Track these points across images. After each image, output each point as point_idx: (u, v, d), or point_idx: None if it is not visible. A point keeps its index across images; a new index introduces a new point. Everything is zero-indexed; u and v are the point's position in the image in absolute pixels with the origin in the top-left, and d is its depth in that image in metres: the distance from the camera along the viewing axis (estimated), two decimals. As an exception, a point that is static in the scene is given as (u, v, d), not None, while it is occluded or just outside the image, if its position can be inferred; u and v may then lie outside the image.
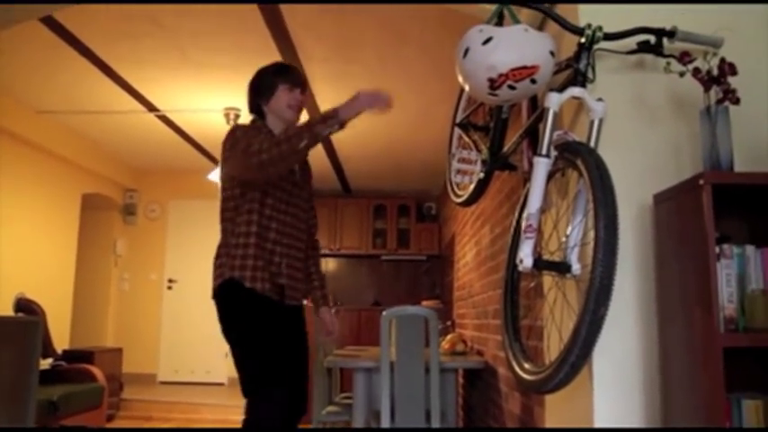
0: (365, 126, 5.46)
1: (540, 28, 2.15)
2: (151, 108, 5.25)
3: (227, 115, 5.17)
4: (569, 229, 1.65)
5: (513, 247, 1.96)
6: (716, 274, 1.38)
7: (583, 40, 1.67)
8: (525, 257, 1.61)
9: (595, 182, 1.46)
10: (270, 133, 2.25)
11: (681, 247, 1.54)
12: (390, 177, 7.52)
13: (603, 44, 1.69)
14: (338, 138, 5.96)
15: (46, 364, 4.71)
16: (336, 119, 2.05)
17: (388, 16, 3.58)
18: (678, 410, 1.54)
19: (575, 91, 1.66)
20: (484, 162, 2.29)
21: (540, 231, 1.72)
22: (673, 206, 1.59)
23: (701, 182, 1.41)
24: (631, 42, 1.74)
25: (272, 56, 3.84)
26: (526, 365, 1.73)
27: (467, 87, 1.77)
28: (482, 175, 2.30)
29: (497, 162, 2.25)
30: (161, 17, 3.65)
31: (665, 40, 1.72)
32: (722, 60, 1.59)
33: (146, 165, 7.36)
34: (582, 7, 1.87)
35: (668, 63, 1.68)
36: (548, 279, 1.94)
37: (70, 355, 5.21)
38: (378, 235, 8.21)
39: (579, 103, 1.81)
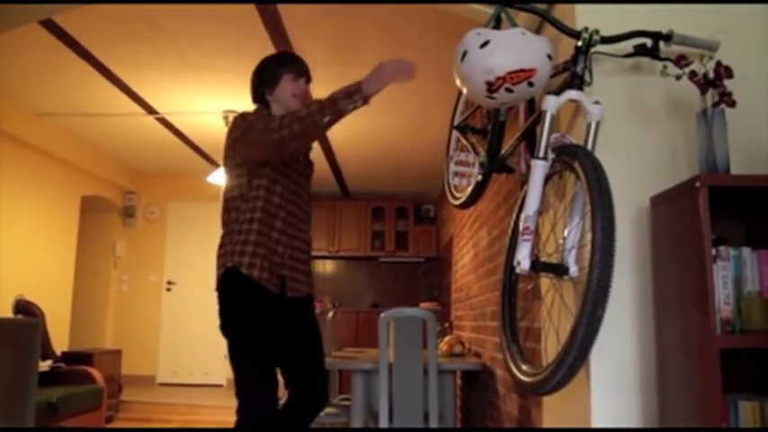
0: (363, 128, 5.48)
1: (538, 31, 2.17)
2: (150, 111, 5.25)
3: (225, 118, 5.17)
4: (566, 231, 1.67)
5: (511, 250, 1.96)
6: (712, 276, 1.39)
7: (580, 43, 1.68)
8: (523, 259, 1.62)
9: (592, 184, 1.47)
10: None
11: (677, 249, 1.55)
12: (389, 180, 7.52)
13: (600, 47, 1.69)
14: (337, 140, 6.04)
15: (45, 365, 4.71)
16: (360, 93, 1.92)
17: (387, 19, 3.59)
18: (675, 412, 1.55)
19: (572, 94, 1.67)
20: (481, 164, 2.30)
21: (537, 234, 1.73)
22: (669, 208, 1.60)
23: (698, 184, 1.42)
24: (628, 46, 1.75)
25: (271, 58, 3.84)
26: (524, 367, 1.73)
27: (464, 90, 1.78)
28: (480, 177, 2.31)
29: (495, 164, 2.26)
30: (160, 20, 3.66)
31: (661, 44, 1.73)
32: (718, 63, 1.59)
33: (145, 167, 7.36)
34: (579, 8, 1.88)
35: (665, 66, 1.69)
36: (545, 281, 1.94)
37: (69, 357, 5.20)
38: (376, 237, 8.22)
39: (576, 106, 1.82)
